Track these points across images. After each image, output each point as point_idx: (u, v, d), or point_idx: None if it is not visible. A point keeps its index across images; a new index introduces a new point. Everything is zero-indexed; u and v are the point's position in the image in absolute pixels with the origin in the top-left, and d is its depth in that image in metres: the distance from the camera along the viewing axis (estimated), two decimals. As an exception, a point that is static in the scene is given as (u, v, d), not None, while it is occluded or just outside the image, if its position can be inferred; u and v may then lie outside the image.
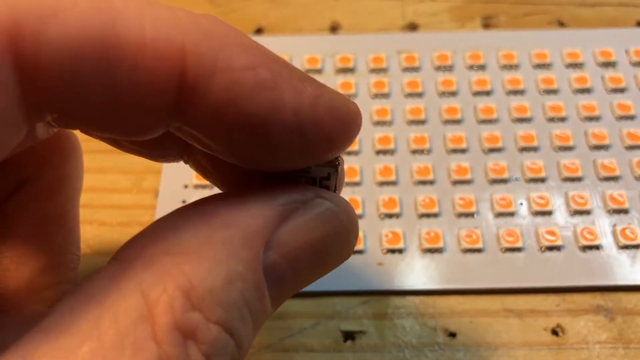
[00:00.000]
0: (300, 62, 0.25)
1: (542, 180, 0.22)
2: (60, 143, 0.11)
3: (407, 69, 0.25)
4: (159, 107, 0.08)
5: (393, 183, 0.22)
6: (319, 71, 0.25)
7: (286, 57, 0.25)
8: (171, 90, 0.08)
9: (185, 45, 0.08)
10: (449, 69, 0.25)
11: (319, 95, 0.09)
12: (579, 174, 0.22)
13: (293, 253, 0.09)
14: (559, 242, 0.20)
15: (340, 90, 0.24)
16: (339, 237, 0.10)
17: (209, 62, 0.08)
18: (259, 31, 0.27)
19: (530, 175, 0.22)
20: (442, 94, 0.24)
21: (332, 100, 0.09)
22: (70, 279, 0.12)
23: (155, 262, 0.08)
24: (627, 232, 0.20)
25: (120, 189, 0.22)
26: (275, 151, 0.09)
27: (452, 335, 0.19)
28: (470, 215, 0.21)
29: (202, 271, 0.08)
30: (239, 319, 0.08)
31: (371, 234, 0.20)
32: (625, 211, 0.21)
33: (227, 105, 0.08)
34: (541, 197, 0.21)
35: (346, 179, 0.22)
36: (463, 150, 0.22)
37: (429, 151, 0.22)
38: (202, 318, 0.08)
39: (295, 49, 0.25)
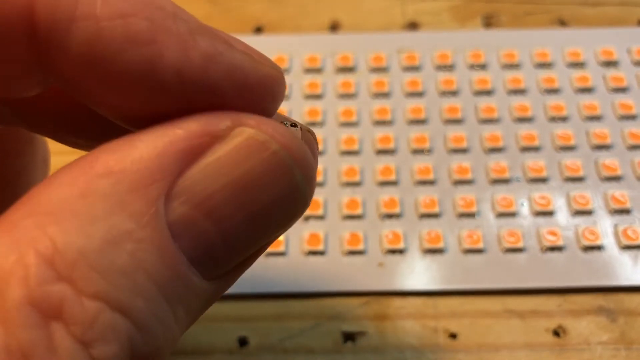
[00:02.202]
0: (300, 61, 0.25)
1: (543, 180, 0.21)
2: (10, 135, 0.10)
3: (407, 68, 0.25)
4: (13, 57, 0.07)
5: (393, 183, 0.21)
6: (318, 70, 0.25)
7: (286, 56, 0.25)
8: (20, 40, 0.07)
9: None
10: (449, 68, 0.24)
11: (216, 53, 0.07)
12: (581, 174, 0.21)
13: (210, 201, 0.07)
14: (560, 243, 0.20)
15: (340, 90, 0.24)
16: (274, 172, 0.07)
17: (64, 7, 0.06)
18: (258, 30, 0.27)
19: (531, 175, 0.21)
20: (443, 94, 0.24)
21: (233, 60, 0.07)
22: None
23: (14, 227, 0.06)
24: (629, 232, 0.20)
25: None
26: (155, 117, 0.07)
27: (453, 336, 0.19)
28: (471, 215, 0.21)
29: (71, 231, 0.06)
30: (134, 292, 0.06)
31: (371, 235, 0.20)
32: (627, 211, 0.21)
33: (91, 61, 0.07)
34: (543, 198, 0.21)
35: (346, 179, 0.22)
36: (464, 150, 0.22)
37: (429, 151, 0.22)
38: (71, 290, 0.06)
39: (294, 48, 0.25)
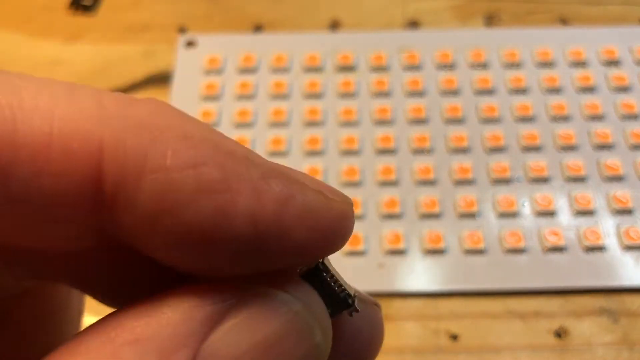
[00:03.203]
0: (300, 60, 0.25)
1: (545, 180, 0.21)
2: None
3: (408, 68, 0.24)
4: (74, 215, 0.07)
5: (394, 183, 0.21)
6: (319, 69, 0.24)
7: (286, 55, 0.25)
8: (86, 196, 0.06)
9: (103, 141, 0.06)
10: (450, 67, 0.24)
11: (289, 196, 0.07)
12: (583, 174, 0.21)
13: None
14: (562, 243, 0.20)
15: (340, 89, 0.24)
16: (296, 333, 0.07)
17: (134, 160, 0.06)
18: (258, 29, 0.26)
19: (533, 175, 0.21)
20: (444, 93, 0.24)
21: (307, 202, 0.07)
22: None
23: None
24: (631, 233, 0.20)
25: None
26: (228, 267, 0.07)
27: (454, 337, 0.19)
28: (472, 215, 0.21)
29: None
30: None
31: (372, 235, 0.20)
32: (629, 212, 0.21)
33: (160, 214, 0.06)
34: (544, 198, 0.21)
35: (346, 179, 0.22)
36: (465, 150, 0.22)
37: (430, 151, 0.22)
38: None
39: (294, 47, 0.25)
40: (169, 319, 0.06)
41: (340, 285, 0.08)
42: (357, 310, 0.08)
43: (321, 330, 0.07)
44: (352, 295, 0.08)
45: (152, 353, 0.06)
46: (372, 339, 0.09)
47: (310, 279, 0.08)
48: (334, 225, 0.07)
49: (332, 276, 0.08)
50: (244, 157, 0.07)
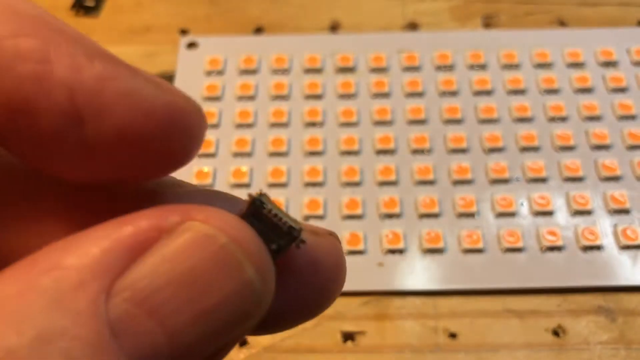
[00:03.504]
0: (300, 62, 0.25)
1: (543, 180, 0.21)
2: None
3: (407, 69, 0.25)
4: None
5: (393, 183, 0.21)
6: (319, 70, 0.25)
7: (286, 57, 0.25)
8: None
9: None
10: (449, 68, 0.25)
11: (112, 77, 0.07)
12: (580, 174, 0.21)
13: (153, 298, 0.06)
14: (560, 243, 0.20)
15: (340, 90, 0.24)
16: (222, 267, 0.07)
17: None
18: (258, 30, 0.27)
19: (531, 175, 0.21)
20: (443, 94, 0.24)
21: (131, 85, 0.07)
22: None
23: None
24: (629, 232, 0.20)
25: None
26: (50, 140, 0.07)
27: (453, 335, 0.19)
28: (471, 215, 0.21)
29: (3, 328, 0.06)
30: None
31: (371, 234, 0.20)
32: (626, 211, 0.21)
33: None
34: (542, 197, 0.21)
35: (346, 179, 0.22)
36: (464, 150, 0.22)
37: (429, 151, 0.22)
38: None
39: (295, 48, 0.25)
40: (87, 250, 0.06)
41: (281, 218, 0.08)
42: (303, 242, 0.08)
43: (254, 266, 0.07)
44: (297, 227, 0.08)
45: (65, 280, 0.06)
46: (333, 269, 0.09)
47: (249, 218, 0.07)
48: (166, 116, 0.07)
49: (271, 210, 0.07)
50: (73, 37, 0.07)
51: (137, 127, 0.07)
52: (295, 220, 0.08)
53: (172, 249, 0.07)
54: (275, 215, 0.08)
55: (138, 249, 0.07)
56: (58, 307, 0.06)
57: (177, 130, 0.07)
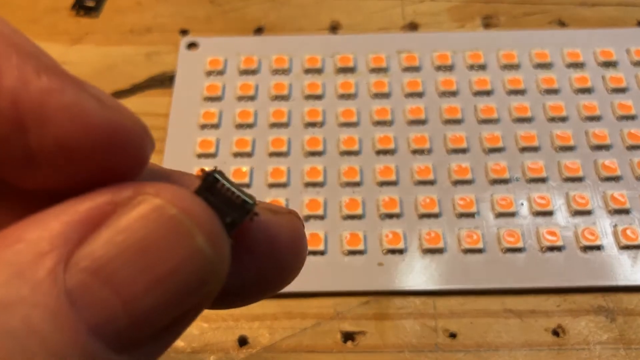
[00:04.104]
0: (300, 62, 0.25)
1: (542, 180, 0.22)
2: None
3: (407, 69, 0.25)
4: None
5: (393, 183, 0.22)
6: (319, 71, 0.25)
7: (286, 57, 0.25)
8: None
9: None
10: (449, 68, 0.25)
11: (57, 89, 0.07)
12: (580, 174, 0.22)
13: (108, 267, 0.07)
14: (559, 243, 0.20)
15: (340, 90, 0.24)
16: (172, 235, 0.07)
17: None
18: (259, 31, 0.27)
19: (530, 175, 0.22)
20: (443, 94, 0.24)
21: (76, 99, 0.07)
22: None
23: None
24: (628, 232, 0.20)
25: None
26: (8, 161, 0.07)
27: (453, 335, 0.19)
28: (470, 215, 0.21)
29: None
30: (24, 356, 0.06)
31: (371, 234, 0.20)
32: (626, 211, 0.21)
33: None
34: (542, 198, 0.21)
35: (346, 179, 0.22)
36: (463, 151, 0.22)
37: (429, 151, 0.22)
38: None
39: (295, 49, 0.25)
40: (48, 224, 0.07)
41: (234, 192, 0.08)
42: (256, 214, 0.08)
43: (204, 234, 0.07)
44: (251, 201, 0.08)
45: (25, 252, 0.07)
46: (290, 245, 0.09)
47: (202, 192, 0.08)
48: (103, 131, 0.07)
49: (224, 185, 0.08)
50: (25, 51, 0.07)
51: (76, 140, 0.07)
52: (250, 196, 0.08)
53: (125, 220, 0.07)
54: (228, 189, 0.08)
55: (94, 222, 0.07)
56: (18, 277, 0.06)
57: (116, 147, 0.08)
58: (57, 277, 0.06)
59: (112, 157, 0.08)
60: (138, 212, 0.07)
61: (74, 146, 0.07)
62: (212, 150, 0.22)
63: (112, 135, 0.07)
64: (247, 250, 0.08)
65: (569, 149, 0.22)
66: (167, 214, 0.07)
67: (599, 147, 0.22)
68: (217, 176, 0.08)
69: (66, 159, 0.07)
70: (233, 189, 0.08)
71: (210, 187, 0.08)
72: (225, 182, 0.08)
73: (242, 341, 0.19)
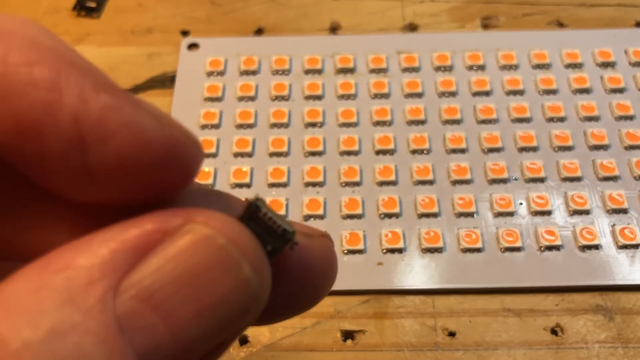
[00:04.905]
0: (300, 63, 0.25)
1: (541, 180, 0.22)
2: None
3: (406, 69, 0.25)
4: None
5: (393, 183, 0.22)
6: (319, 71, 0.25)
7: (286, 58, 0.25)
8: None
9: None
10: (448, 69, 0.25)
11: (116, 107, 0.07)
12: (578, 174, 0.22)
13: (157, 295, 0.07)
14: (558, 242, 0.20)
15: (340, 91, 0.24)
16: (220, 266, 0.07)
17: None
18: (259, 31, 0.27)
19: (529, 175, 0.22)
20: (442, 94, 0.24)
21: (134, 115, 0.07)
22: None
23: None
24: (626, 231, 0.20)
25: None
26: (55, 163, 0.07)
27: (452, 334, 0.19)
28: (469, 215, 0.21)
29: (18, 322, 0.06)
30: None
31: (371, 234, 0.20)
32: (624, 211, 0.21)
33: None
34: (540, 197, 0.21)
35: (346, 179, 0.22)
36: (462, 150, 0.22)
37: (428, 151, 0.22)
38: None
39: (295, 50, 0.25)
40: (97, 250, 0.07)
41: (276, 222, 0.08)
42: (296, 243, 0.08)
43: (251, 265, 0.07)
44: (291, 230, 0.08)
45: (76, 279, 0.07)
46: (324, 269, 0.09)
47: (245, 220, 0.08)
48: (164, 148, 0.08)
49: (266, 214, 0.08)
50: (83, 68, 0.08)
51: (136, 157, 0.07)
52: (289, 223, 0.08)
53: (174, 249, 0.07)
54: (270, 218, 0.08)
55: (143, 250, 0.07)
56: (70, 304, 0.06)
57: (174, 162, 0.08)
58: (107, 304, 0.07)
59: (169, 171, 0.08)
60: (187, 241, 0.07)
61: (133, 162, 0.07)
62: (212, 150, 0.23)
63: (169, 150, 0.08)
64: (284, 276, 0.08)
65: (568, 149, 0.22)
66: (216, 244, 0.07)
67: (597, 147, 0.22)
68: (260, 204, 0.08)
69: (124, 174, 0.07)
70: (274, 217, 0.08)
71: (253, 215, 0.08)
72: (266, 211, 0.08)
73: (243, 340, 0.19)
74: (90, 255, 0.07)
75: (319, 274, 0.09)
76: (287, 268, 0.08)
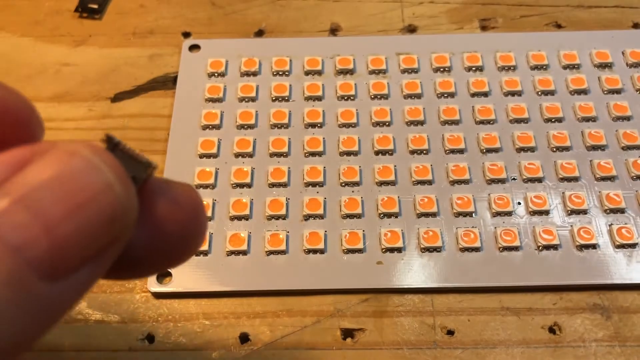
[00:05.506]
0: (300, 64, 0.25)
1: (539, 180, 0.22)
2: None
3: (405, 71, 0.25)
4: None
5: (392, 183, 0.22)
6: (319, 72, 0.25)
7: (286, 59, 0.25)
8: None
9: None
10: (447, 70, 0.25)
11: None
12: (576, 174, 0.22)
13: (28, 196, 0.08)
14: (556, 241, 0.20)
15: (339, 92, 0.24)
16: (86, 170, 0.08)
17: None
18: (259, 33, 0.27)
19: (527, 175, 0.22)
20: (441, 95, 0.24)
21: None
22: None
23: None
24: (624, 231, 0.20)
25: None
26: None
27: (451, 333, 0.19)
28: (468, 214, 0.21)
29: None
30: None
31: (370, 233, 0.21)
32: (621, 211, 0.21)
33: None
34: (538, 197, 0.21)
35: (346, 179, 0.22)
36: (461, 151, 0.23)
37: (427, 151, 0.23)
38: None
39: (295, 51, 0.26)
40: None
41: (136, 153, 0.09)
42: (155, 168, 0.09)
43: (113, 173, 0.08)
44: (151, 161, 0.09)
45: None
46: (190, 207, 0.10)
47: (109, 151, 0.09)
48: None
49: (125, 146, 0.09)
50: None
51: None
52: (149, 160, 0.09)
53: (46, 161, 0.08)
54: (130, 150, 0.09)
55: (18, 165, 0.08)
56: None
57: (8, 122, 0.09)
58: None
59: (4, 131, 0.09)
60: (57, 155, 0.08)
61: None
62: (213, 150, 0.23)
63: (4, 109, 0.09)
64: (149, 212, 0.09)
65: (565, 149, 0.23)
66: (80, 155, 0.08)
67: (595, 148, 0.23)
68: (118, 140, 0.09)
69: None
70: (133, 151, 0.09)
71: (114, 148, 0.09)
72: (126, 145, 0.09)
73: (244, 338, 0.19)
74: None
75: (183, 212, 0.10)
76: (151, 203, 0.09)
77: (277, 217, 0.21)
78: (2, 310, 0.07)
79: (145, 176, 0.09)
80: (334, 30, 0.27)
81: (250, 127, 0.23)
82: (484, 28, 0.27)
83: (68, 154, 0.08)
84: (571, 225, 0.21)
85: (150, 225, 0.09)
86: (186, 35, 0.27)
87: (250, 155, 0.23)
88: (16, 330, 0.07)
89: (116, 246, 0.08)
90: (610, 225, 0.21)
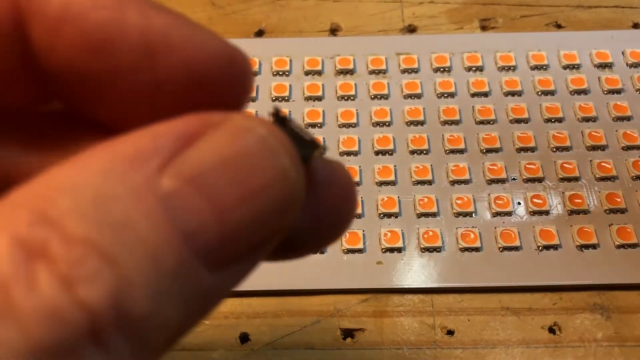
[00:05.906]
0: (300, 64, 0.25)
1: (539, 180, 0.22)
2: None
3: (405, 71, 0.25)
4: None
5: (392, 183, 0.22)
6: (319, 72, 0.25)
7: (286, 59, 0.25)
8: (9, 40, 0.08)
9: None
10: (447, 70, 0.25)
11: (177, 25, 0.08)
12: (576, 174, 0.22)
13: (202, 177, 0.07)
14: (555, 241, 0.20)
15: (339, 92, 0.24)
16: (262, 153, 0.07)
17: None
18: (259, 33, 0.27)
19: (527, 175, 0.22)
20: (441, 95, 0.24)
21: (194, 31, 0.08)
22: None
23: (9, 200, 0.06)
24: (623, 231, 0.20)
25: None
26: (126, 77, 0.08)
27: (450, 332, 0.19)
28: (468, 214, 0.21)
29: (63, 192, 0.06)
30: (122, 246, 0.06)
31: (370, 233, 0.21)
32: (621, 211, 0.21)
33: (62, 22, 0.07)
34: (538, 197, 0.21)
35: (346, 179, 0.22)
36: (461, 151, 0.23)
37: (427, 151, 0.23)
38: (59, 233, 0.06)
39: (295, 51, 0.26)
40: (142, 138, 0.07)
41: (304, 130, 0.08)
42: (324, 151, 0.08)
43: (289, 156, 0.07)
44: (318, 140, 0.08)
45: (121, 160, 0.07)
46: (346, 186, 0.09)
47: (277, 125, 0.08)
48: (226, 57, 0.08)
49: (293, 122, 0.08)
50: None
51: (202, 67, 0.08)
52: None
53: (219, 136, 0.07)
54: (297, 126, 0.08)
55: (189, 138, 0.07)
56: (115, 180, 0.07)
57: (235, 74, 0.08)
58: (153, 183, 0.07)
59: (230, 84, 0.08)
60: (230, 130, 0.07)
61: (199, 73, 0.08)
62: (213, 150, 0.23)
63: (231, 61, 0.08)
64: (311, 192, 0.08)
65: (565, 149, 0.23)
66: (257, 134, 0.07)
67: (595, 148, 0.23)
68: (286, 115, 0.08)
69: (191, 86, 0.08)
70: (300, 127, 0.08)
71: (282, 123, 0.08)
72: (294, 121, 0.08)
73: (244, 338, 0.19)
74: (136, 139, 0.07)
75: (340, 192, 0.09)
76: (313, 183, 0.08)
77: (277, 217, 0.21)
78: (170, 306, 0.06)
79: (312, 155, 0.08)
80: (334, 30, 0.27)
81: (250, 127, 0.23)
82: (484, 28, 0.27)
83: (244, 130, 0.07)
84: (571, 225, 0.21)
85: (312, 206, 0.08)
86: (186, 35, 0.27)
87: (250, 155, 0.23)
88: (179, 327, 0.07)
89: (281, 233, 0.08)
90: (610, 225, 0.21)
